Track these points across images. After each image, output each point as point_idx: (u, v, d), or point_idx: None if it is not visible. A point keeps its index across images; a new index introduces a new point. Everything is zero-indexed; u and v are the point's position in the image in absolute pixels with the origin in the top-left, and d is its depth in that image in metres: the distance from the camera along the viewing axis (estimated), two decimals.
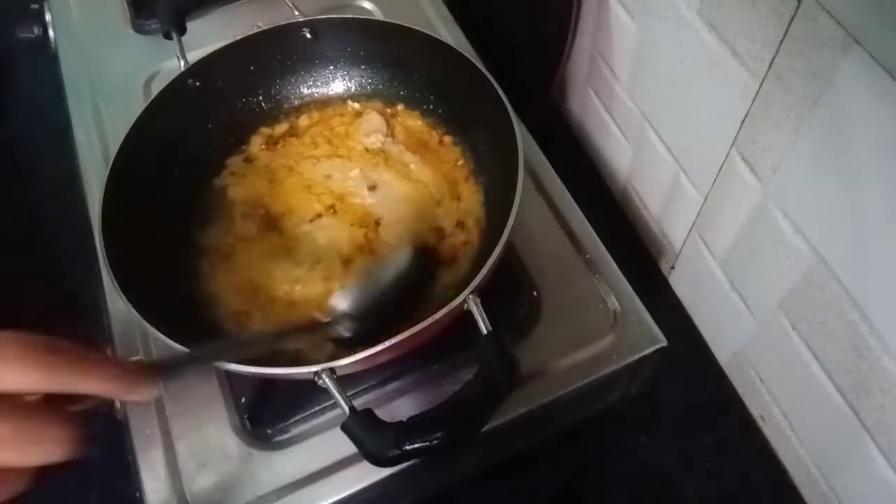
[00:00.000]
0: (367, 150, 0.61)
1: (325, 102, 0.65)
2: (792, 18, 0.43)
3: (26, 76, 0.93)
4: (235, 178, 0.61)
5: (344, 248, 0.56)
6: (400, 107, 0.63)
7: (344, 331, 0.48)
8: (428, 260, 0.55)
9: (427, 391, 0.53)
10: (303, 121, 0.64)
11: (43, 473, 0.31)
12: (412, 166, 0.60)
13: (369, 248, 0.56)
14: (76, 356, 0.31)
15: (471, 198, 0.58)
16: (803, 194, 0.48)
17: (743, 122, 0.52)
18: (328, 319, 0.49)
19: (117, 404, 0.53)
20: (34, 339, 0.30)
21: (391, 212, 0.58)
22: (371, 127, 0.62)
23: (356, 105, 0.64)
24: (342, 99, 0.65)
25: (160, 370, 0.36)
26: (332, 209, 0.58)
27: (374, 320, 0.48)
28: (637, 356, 0.53)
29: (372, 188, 0.59)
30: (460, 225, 0.56)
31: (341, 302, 0.49)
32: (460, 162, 0.60)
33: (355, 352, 0.42)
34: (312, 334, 0.50)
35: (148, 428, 0.52)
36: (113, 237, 0.48)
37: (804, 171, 0.47)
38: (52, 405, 0.31)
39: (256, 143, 0.63)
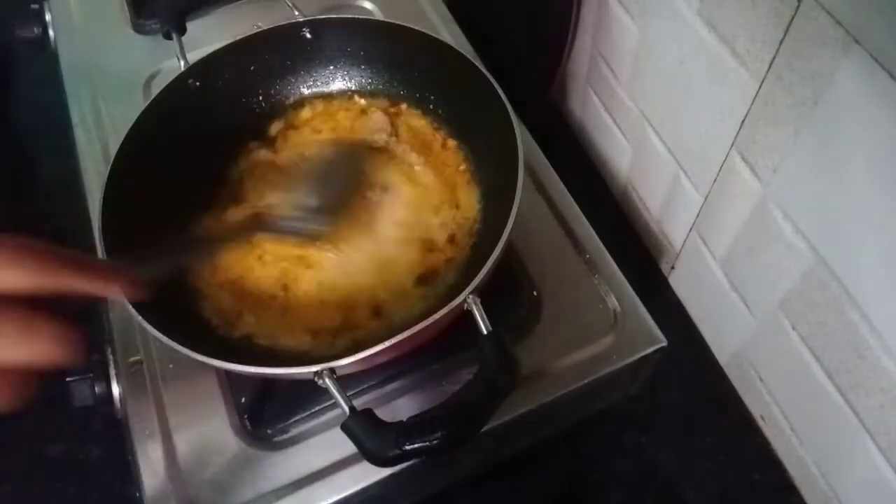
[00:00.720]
0: (371, 147, 0.61)
1: (325, 101, 0.65)
2: (792, 18, 0.43)
3: (26, 76, 0.93)
4: (236, 178, 0.61)
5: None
6: (403, 106, 0.63)
7: (321, 224, 0.52)
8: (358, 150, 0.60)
9: (427, 391, 0.53)
10: (305, 113, 0.64)
11: (41, 380, 0.32)
12: (416, 168, 0.60)
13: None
14: (67, 257, 0.33)
15: (470, 202, 0.58)
16: (803, 194, 0.48)
17: (743, 122, 0.52)
18: (298, 214, 0.52)
19: (117, 404, 0.53)
20: (28, 241, 0.32)
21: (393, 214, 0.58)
22: (376, 125, 0.62)
23: (362, 101, 0.64)
24: (345, 96, 0.65)
25: (130, 267, 0.38)
26: None
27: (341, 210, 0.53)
28: (637, 356, 0.53)
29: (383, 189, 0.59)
30: (451, 239, 0.56)
31: (307, 199, 0.53)
32: (462, 167, 0.60)
33: (355, 352, 0.42)
34: (286, 230, 0.53)
35: (148, 428, 0.52)
36: (113, 237, 0.48)
37: (804, 171, 0.47)
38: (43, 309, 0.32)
39: (256, 143, 0.63)
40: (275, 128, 0.63)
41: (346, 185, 0.56)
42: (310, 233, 0.53)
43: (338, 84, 0.65)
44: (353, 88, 0.65)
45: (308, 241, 0.53)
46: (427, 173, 0.60)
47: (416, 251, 0.55)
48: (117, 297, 0.37)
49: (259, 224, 0.54)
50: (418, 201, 0.58)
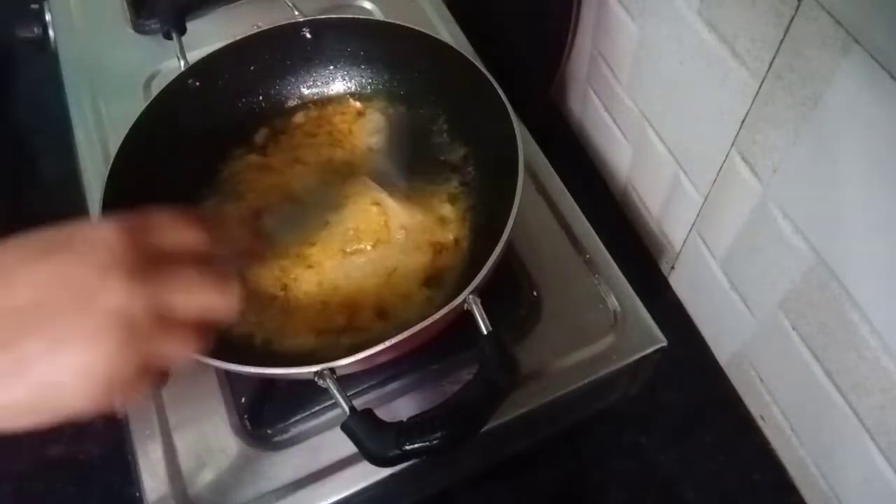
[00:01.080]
0: (370, 149, 0.61)
1: (325, 101, 0.65)
2: (792, 18, 0.43)
3: (26, 76, 0.93)
4: (236, 178, 0.61)
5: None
6: (402, 109, 0.63)
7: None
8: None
9: (427, 391, 0.53)
10: (299, 118, 0.64)
11: (207, 341, 0.35)
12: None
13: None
14: (212, 220, 0.42)
15: (469, 201, 0.58)
16: (803, 194, 0.48)
17: (743, 122, 0.52)
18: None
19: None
20: (183, 211, 0.36)
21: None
22: (374, 127, 0.62)
23: (357, 104, 0.64)
24: (343, 97, 0.65)
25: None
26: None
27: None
28: (637, 356, 0.53)
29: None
30: (455, 241, 0.56)
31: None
32: (462, 167, 0.60)
33: (355, 352, 0.42)
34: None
35: (148, 428, 0.52)
36: None
37: (804, 171, 0.47)
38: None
39: (257, 143, 0.63)
40: (274, 128, 0.63)
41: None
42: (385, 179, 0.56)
43: (337, 84, 0.65)
44: (353, 88, 0.65)
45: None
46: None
47: (423, 254, 0.55)
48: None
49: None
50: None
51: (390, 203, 0.56)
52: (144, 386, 0.33)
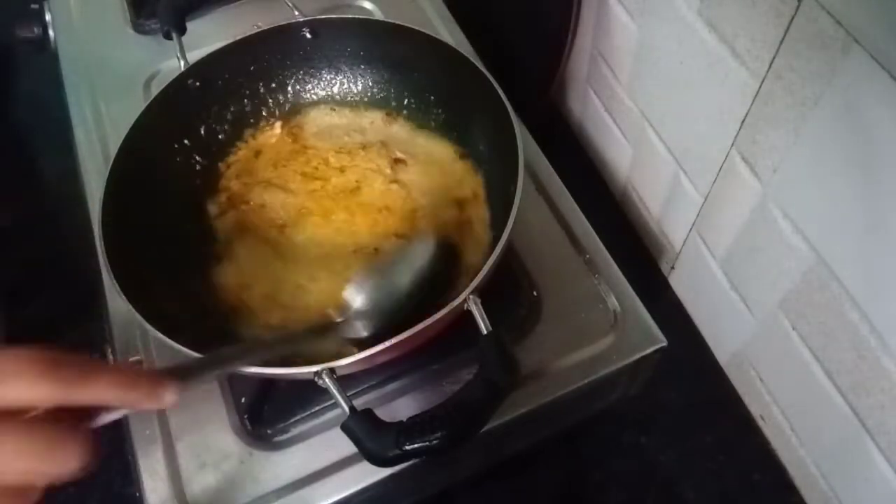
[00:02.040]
0: (372, 143, 0.61)
1: (325, 101, 0.65)
2: (792, 18, 0.43)
3: (26, 76, 0.93)
4: (236, 178, 0.61)
5: (357, 239, 0.56)
6: (404, 109, 0.63)
7: (361, 329, 0.46)
8: (448, 253, 0.53)
9: (427, 391, 0.53)
10: (299, 118, 0.64)
11: (51, 489, 0.31)
12: (417, 169, 0.60)
13: (387, 236, 0.56)
14: (83, 366, 0.30)
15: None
16: (803, 194, 0.48)
17: (743, 122, 0.52)
18: (341, 319, 0.46)
19: None
20: (37, 352, 0.29)
21: (412, 197, 0.57)
22: (373, 126, 0.63)
23: (360, 101, 0.64)
24: (344, 96, 0.65)
25: (173, 376, 0.34)
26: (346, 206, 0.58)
27: (392, 317, 0.46)
28: (637, 356, 0.53)
29: (399, 161, 0.59)
30: (475, 195, 0.57)
31: (355, 298, 0.46)
32: (462, 167, 0.60)
33: (355, 352, 0.42)
34: (327, 335, 0.47)
35: (148, 428, 0.52)
36: (113, 237, 0.48)
37: (804, 171, 0.47)
38: (63, 421, 0.31)
39: (257, 143, 0.63)
40: (274, 128, 0.63)
41: (401, 293, 0.48)
42: (355, 334, 0.46)
43: (337, 84, 0.65)
44: (353, 88, 0.65)
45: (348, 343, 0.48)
46: (428, 174, 0.60)
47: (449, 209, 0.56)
48: (142, 409, 0.34)
49: (304, 333, 0.49)
50: (440, 180, 0.59)
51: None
52: None
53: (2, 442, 0.29)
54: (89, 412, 0.32)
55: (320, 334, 0.47)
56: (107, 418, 0.32)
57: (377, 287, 0.47)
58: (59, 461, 0.30)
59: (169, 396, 0.33)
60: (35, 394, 0.29)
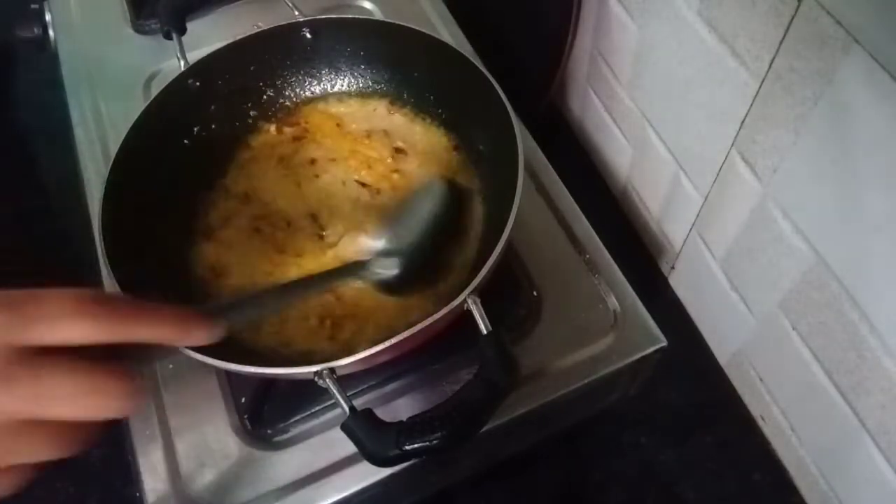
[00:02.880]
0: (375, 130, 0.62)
1: (325, 101, 0.65)
2: (792, 18, 0.43)
3: (26, 76, 0.93)
4: (237, 178, 0.61)
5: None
6: (404, 109, 0.63)
7: (389, 268, 0.48)
8: (460, 194, 0.56)
9: (427, 391, 0.53)
10: (299, 118, 0.64)
11: (90, 438, 0.32)
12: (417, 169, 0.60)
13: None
14: (129, 304, 0.32)
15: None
16: (803, 194, 0.48)
17: (743, 122, 0.52)
18: (368, 258, 0.48)
19: None
20: (82, 291, 0.30)
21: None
22: (371, 122, 0.63)
23: (360, 101, 0.64)
24: (344, 96, 0.65)
25: (211, 315, 0.35)
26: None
27: (417, 255, 0.49)
28: (637, 356, 0.53)
29: (399, 151, 0.59)
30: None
31: (377, 239, 0.49)
32: (462, 167, 0.60)
33: (355, 352, 0.42)
34: (355, 276, 0.49)
35: (148, 428, 0.52)
36: (113, 237, 0.48)
37: (804, 171, 0.47)
38: (109, 360, 0.31)
39: (257, 142, 0.63)
40: (274, 128, 0.63)
41: (421, 227, 0.52)
42: (383, 275, 0.49)
43: (337, 84, 0.65)
44: (353, 88, 0.65)
45: (378, 285, 0.50)
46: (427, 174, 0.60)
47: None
48: (185, 345, 0.35)
49: (334, 274, 0.51)
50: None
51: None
52: (10, 484, 0.30)
53: (50, 376, 0.29)
54: (137, 353, 0.33)
55: (352, 273, 0.49)
56: (153, 356, 0.35)
57: (397, 224, 0.51)
58: (105, 399, 0.30)
59: (215, 330, 0.35)
60: (81, 332, 0.30)
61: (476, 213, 0.56)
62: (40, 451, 0.30)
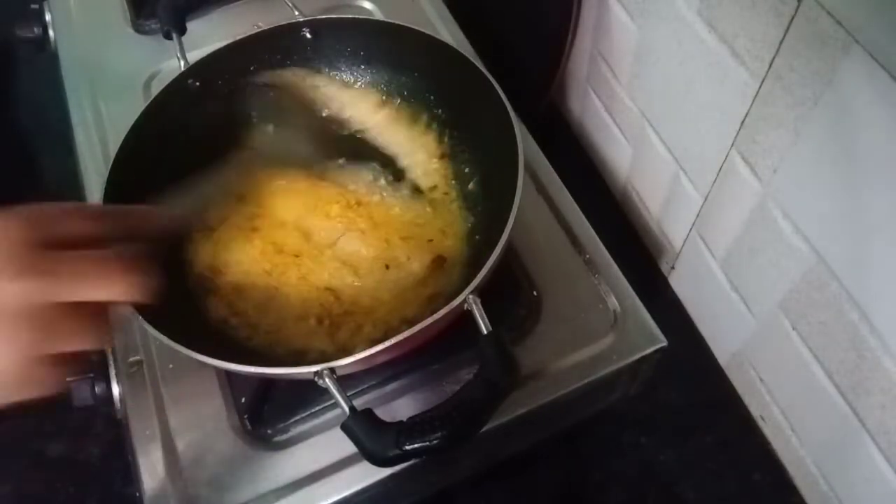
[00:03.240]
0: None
1: (324, 101, 0.65)
2: (792, 18, 0.43)
3: (26, 76, 0.93)
4: (236, 177, 0.61)
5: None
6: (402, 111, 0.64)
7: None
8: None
9: (427, 391, 0.53)
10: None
11: (109, 329, 0.36)
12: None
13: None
14: (129, 209, 0.40)
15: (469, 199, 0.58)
16: (803, 194, 0.48)
17: (743, 122, 0.52)
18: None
19: (117, 404, 0.53)
20: (90, 204, 0.38)
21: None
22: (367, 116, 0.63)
23: (360, 100, 0.64)
24: (343, 97, 0.65)
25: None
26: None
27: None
28: (637, 356, 0.53)
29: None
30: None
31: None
32: (462, 167, 0.60)
33: (355, 352, 0.42)
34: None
35: (148, 428, 0.52)
36: None
37: (804, 171, 0.47)
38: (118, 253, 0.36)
39: (257, 142, 0.62)
40: (272, 128, 0.63)
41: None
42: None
43: (337, 84, 0.64)
44: (353, 88, 0.65)
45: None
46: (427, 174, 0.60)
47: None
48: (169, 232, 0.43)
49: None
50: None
51: None
52: (55, 376, 0.34)
53: (70, 261, 0.33)
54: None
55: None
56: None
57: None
58: (133, 280, 0.35)
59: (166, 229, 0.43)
60: (90, 228, 0.36)
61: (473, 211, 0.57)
62: (72, 338, 0.34)
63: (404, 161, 0.61)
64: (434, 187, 0.59)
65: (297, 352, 0.51)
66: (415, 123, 0.62)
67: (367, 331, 0.52)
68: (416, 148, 0.61)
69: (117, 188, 0.50)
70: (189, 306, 0.53)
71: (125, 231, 0.38)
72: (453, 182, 0.59)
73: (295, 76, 0.63)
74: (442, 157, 0.60)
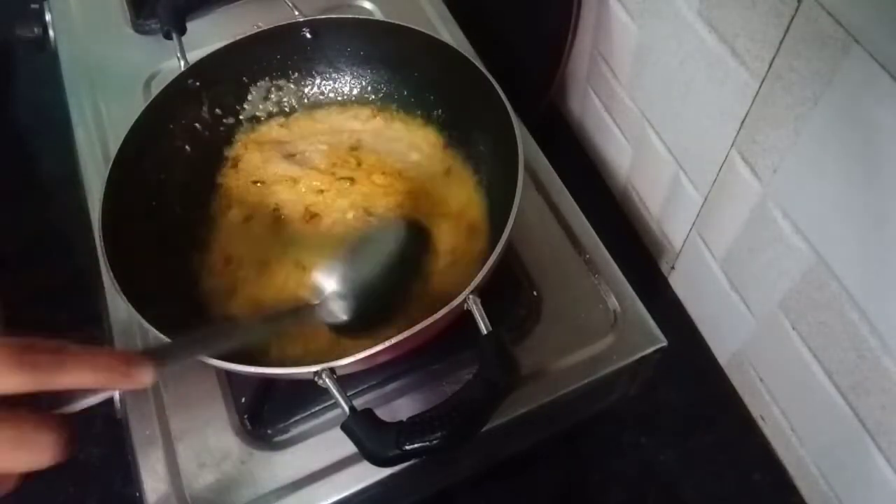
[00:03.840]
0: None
1: (325, 100, 0.65)
2: (792, 18, 0.43)
3: (26, 76, 0.93)
4: (236, 177, 0.61)
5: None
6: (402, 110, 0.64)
7: (337, 312, 0.46)
8: (423, 236, 0.54)
9: (427, 391, 0.53)
10: (301, 117, 0.64)
11: (31, 475, 0.31)
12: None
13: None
14: (56, 350, 0.30)
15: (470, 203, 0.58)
16: (803, 194, 0.48)
17: (743, 122, 0.52)
18: (318, 301, 0.46)
19: (117, 404, 0.53)
20: (6, 340, 0.29)
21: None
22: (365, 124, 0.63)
23: (360, 101, 0.64)
24: (344, 96, 0.65)
25: (152, 357, 0.34)
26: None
27: (369, 299, 0.47)
28: (637, 356, 0.53)
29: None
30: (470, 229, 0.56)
31: (327, 280, 0.47)
32: (462, 167, 0.60)
33: (355, 352, 0.42)
34: (304, 317, 0.47)
35: (148, 428, 0.52)
36: (113, 237, 0.48)
37: (804, 171, 0.47)
38: (43, 408, 0.30)
39: (257, 142, 0.63)
40: (274, 127, 0.63)
41: (374, 271, 0.49)
42: (333, 318, 0.47)
43: (337, 84, 0.65)
44: (353, 88, 0.65)
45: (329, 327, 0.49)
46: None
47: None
48: (121, 388, 0.34)
49: (281, 314, 0.49)
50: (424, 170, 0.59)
51: None
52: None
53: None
54: (66, 396, 0.32)
55: (298, 317, 0.48)
56: (84, 402, 0.32)
57: (348, 268, 0.48)
58: (34, 450, 0.30)
59: (145, 377, 0.33)
60: (6, 383, 0.29)
61: (440, 247, 0.54)
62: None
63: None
64: None
65: (298, 352, 0.51)
66: (414, 123, 0.62)
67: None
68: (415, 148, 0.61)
69: (117, 188, 0.50)
70: (189, 306, 0.53)
71: (51, 385, 0.30)
72: None
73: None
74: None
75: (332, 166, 0.60)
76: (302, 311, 0.47)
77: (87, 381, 0.31)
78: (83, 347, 0.31)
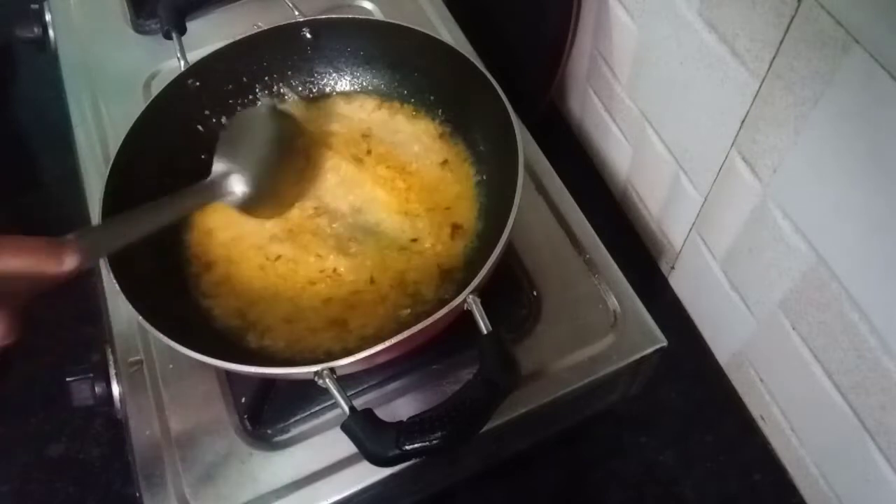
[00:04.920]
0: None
1: (325, 101, 0.65)
2: (792, 18, 0.43)
3: (26, 76, 0.93)
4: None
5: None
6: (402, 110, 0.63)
7: (238, 185, 0.51)
8: (291, 119, 0.60)
9: (427, 391, 0.53)
10: (302, 113, 0.64)
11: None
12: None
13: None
14: None
15: (470, 203, 0.58)
16: (803, 194, 0.48)
17: (743, 122, 0.52)
18: (214, 178, 0.51)
19: (117, 404, 0.53)
20: None
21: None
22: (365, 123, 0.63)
23: (360, 101, 0.64)
24: (344, 96, 0.65)
25: (76, 240, 0.38)
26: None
27: (260, 170, 0.53)
28: (637, 356, 0.53)
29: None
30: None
31: (218, 162, 0.52)
32: (462, 167, 0.60)
33: (355, 352, 0.42)
34: (208, 197, 0.52)
35: (148, 428, 0.52)
36: None
37: (804, 171, 0.47)
38: None
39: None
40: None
41: (265, 152, 0.55)
42: (236, 197, 0.52)
43: (337, 84, 0.65)
44: (353, 88, 0.65)
45: (240, 208, 0.53)
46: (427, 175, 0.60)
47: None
48: (48, 272, 0.36)
49: (192, 194, 0.52)
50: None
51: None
52: None
53: None
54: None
55: (204, 194, 0.52)
56: (20, 291, 0.36)
57: (234, 149, 0.53)
58: None
59: (71, 259, 0.37)
60: None
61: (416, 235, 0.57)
62: None
63: None
64: None
65: (298, 352, 0.51)
66: (414, 123, 0.62)
67: (369, 331, 0.52)
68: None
69: (117, 188, 0.50)
70: (189, 306, 0.53)
71: None
72: None
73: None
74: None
75: (345, 145, 0.61)
76: (203, 187, 0.52)
77: (14, 264, 0.35)
78: (9, 235, 0.35)
